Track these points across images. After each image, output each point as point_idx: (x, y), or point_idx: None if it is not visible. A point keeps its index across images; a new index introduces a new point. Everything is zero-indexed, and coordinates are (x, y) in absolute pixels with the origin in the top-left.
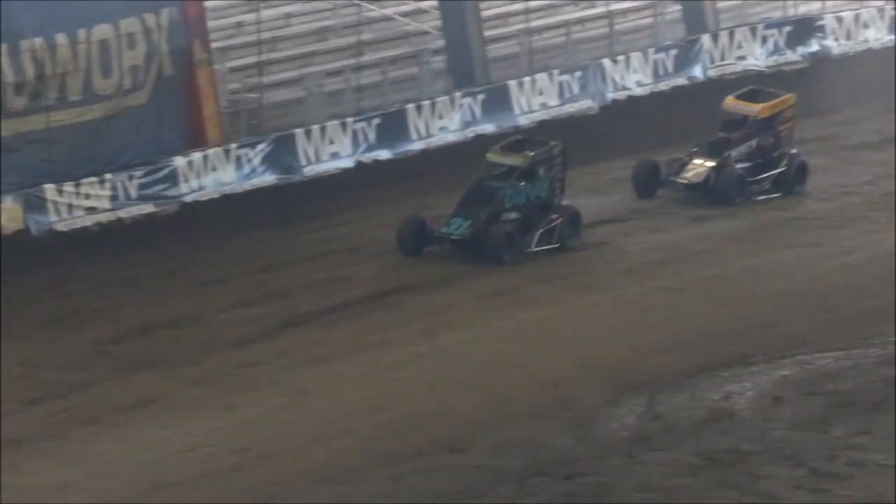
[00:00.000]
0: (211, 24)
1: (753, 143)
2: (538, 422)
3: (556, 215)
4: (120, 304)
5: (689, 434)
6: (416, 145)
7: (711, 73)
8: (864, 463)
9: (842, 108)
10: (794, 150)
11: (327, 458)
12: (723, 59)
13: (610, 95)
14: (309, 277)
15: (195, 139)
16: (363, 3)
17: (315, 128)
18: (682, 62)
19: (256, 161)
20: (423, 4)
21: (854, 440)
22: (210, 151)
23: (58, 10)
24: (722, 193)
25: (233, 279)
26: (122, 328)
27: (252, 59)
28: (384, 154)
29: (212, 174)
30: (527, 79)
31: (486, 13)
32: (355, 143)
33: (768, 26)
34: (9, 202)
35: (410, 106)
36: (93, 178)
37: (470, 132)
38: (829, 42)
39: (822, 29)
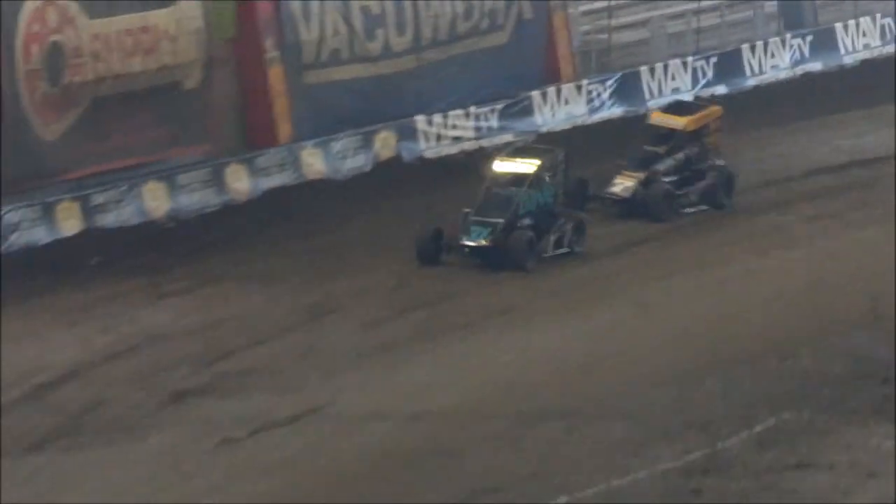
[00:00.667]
0: None
1: (681, 155)
2: (858, 333)
3: (563, 220)
4: None
5: None
6: (750, 82)
7: None
8: None
9: None
10: (721, 162)
11: (666, 364)
12: None
13: None
14: None
15: (550, 75)
16: None
17: (658, 65)
18: None
19: (605, 95)
20: None
21: None
22: (563, 86)
23: None
24: (650, 208)
25: None
26: None
27: (602, 4)
28: (721, 90)
29: (564, 107)
30: (851, 21)
31: None
32: (694, 80)
33: None
34: (384, 133)
35: (745, 46)
36: (459, 111)
37: (799, 70)
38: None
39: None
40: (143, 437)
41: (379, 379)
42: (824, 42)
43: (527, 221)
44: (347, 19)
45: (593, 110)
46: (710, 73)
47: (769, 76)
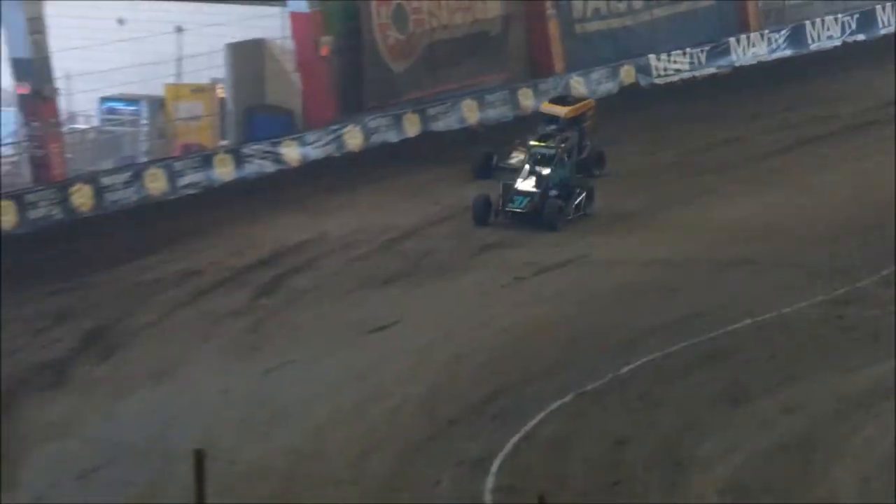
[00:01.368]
0: None
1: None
2: None
3: (579, 190)
4: (694, 130)
5: None
6: (882, 31)
7: None
8: None
9: None
10: (592, 142)
11: (822, 228)
12: None
13: None
14: None
15: (742, 27)
16: None
17: (817, 20)
18: None
19: (780, 41)
20: None
21: None
22: (751, 34)
23: None
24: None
25: None
26: (703, 143)
27: None
28: (860, 37)
29: (751, 49)
30: None
31: None
32: (843, 30)
33: None
34: (627, 66)
35: (878, 6)
36: (678, 51)
37: None
38: None
39: None
40: (460, 275)
41: (620, 239)
42: None
43: (554, 192)
44: None
45: (772, 51)
46: (854, 26)
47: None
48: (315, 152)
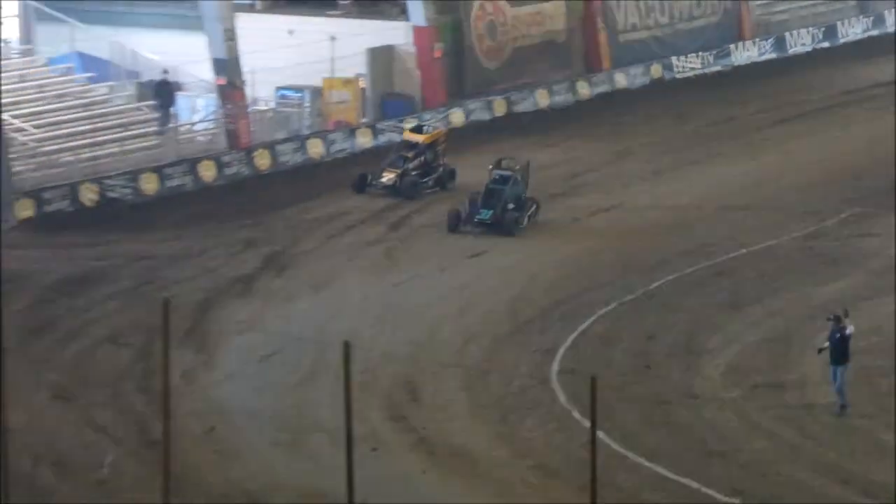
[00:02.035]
0: None
1: (422, 159)
2: None
3: (530, 203)
4: (704, 111)
5: None
6: None
7: None
8: None
9: None
10: (445, 161)
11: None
12: None
13: None
14: None
15: (740, 36)
16: None
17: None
18: None
19: (766, 47)
20: None
21: None
22: (746, 42)
23: None
24: (405, 192)
25: None
26: (710, 120)
27: None
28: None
29: (745, 53)
30: None
31: None
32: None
33: None
34: (656, 65)
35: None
36: (693, 54)
37: None
38: None
39: None
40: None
41: (651, 189)
42: None
43: (511, 206)
44: (639, 9)
45: (761, 54)
46: (820, 36)
47: None
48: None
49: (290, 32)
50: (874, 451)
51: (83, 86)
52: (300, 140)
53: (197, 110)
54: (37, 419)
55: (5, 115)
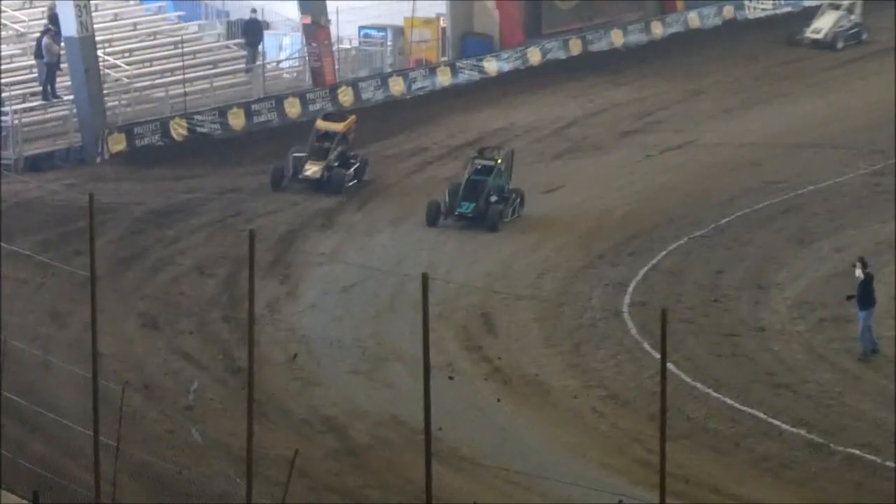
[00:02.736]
0: None
1: (341, 149)
2: None
3: (513, 195)
4: (774, 52)
5: None
6: None
7: None
8: None
9: None
10: (359, 153)
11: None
12: None
13: None
14: None
15: None
16: None
17: None
18: None
19: None
20: None
21: None
22: None
23: None
24: (333, 186)
25: None
26: (781, 61)
27: None
28: None
29: None
30: None
31: None
32: None
33: None
34: (728, 6)
35: None
36: None
37: None
38: None
39: None
40: (607, 153)
41: (722, 126)
42: None
43: (494, 198)
44: None
45: None
46: None
47: None
48: (507, 66)
49: None
50: None
51: (174, 24)
52: (382, 78)
53: (283, 48)
54: (126, 346)
55: (100, 52)
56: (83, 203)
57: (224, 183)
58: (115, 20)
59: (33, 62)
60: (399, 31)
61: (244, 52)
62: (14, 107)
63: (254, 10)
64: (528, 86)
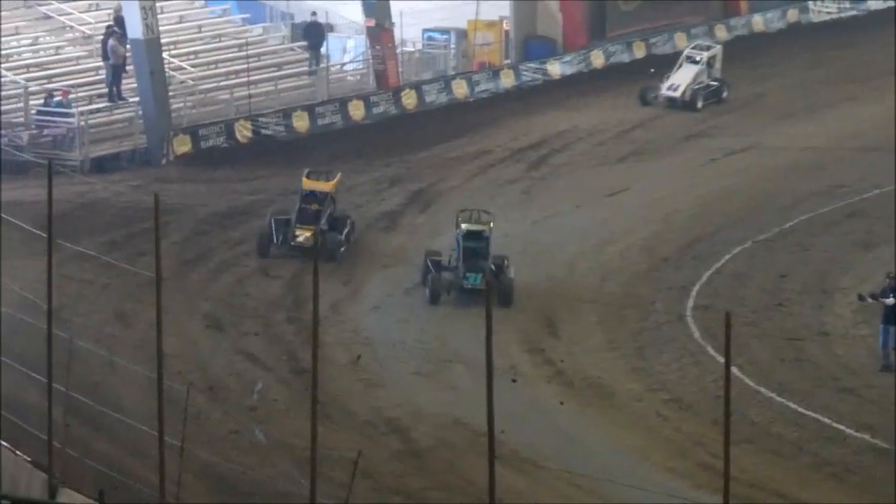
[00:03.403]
0: None
1: (330, 210)
2: None
3: (500, 260)
4: (839, 55)
5: None
6: None
7: None
8: None
9: None
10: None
11: None
12: None
13: None
14: None
15: None
16: None
17: None
18: None
19: None
20: None
21: None
22: None
23: None
24: (327, 253)
25: None
26: (846, 64)
27: None
28: None
29: None
30: None
31: None
32: None
33: None
34: (792, 10)
35: None
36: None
37: None
38: None
39: None
40: (671, 156)
41: (786, 130)
42: None
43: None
44: None
45: None
46: None
47: None
48: (570, 68)
49: None
50: None
51: (239, 27)
52: (445, 80)
53: (347, 51)
54: (191, 347)
55: (165, 54)
56: (148, 204)
57: (288, 185)
58: (181, 22)
59: (99, 64)
60: (462, 34)
61: (308, 55)
62: (80, 108)
63: (314, 13)
64: (591, 88)
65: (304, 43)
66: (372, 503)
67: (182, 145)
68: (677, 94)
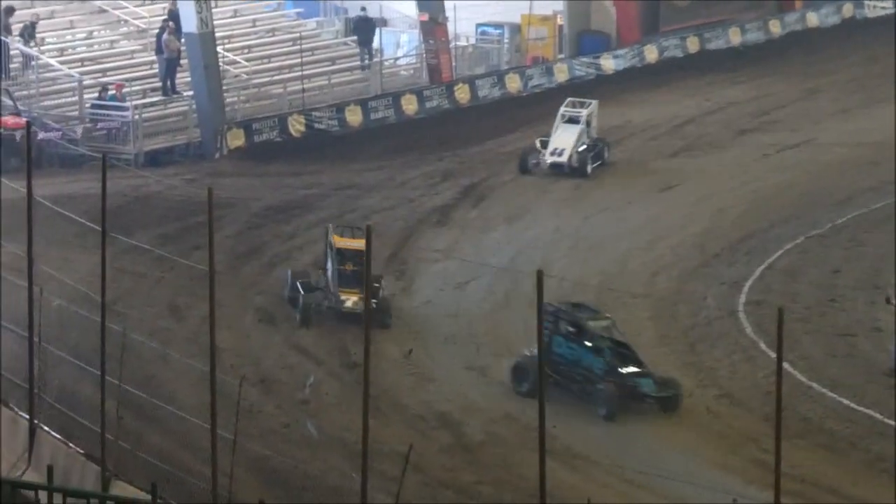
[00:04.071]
0: None
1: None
2: None
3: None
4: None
5: None
6: None
7: None
8: None
9: None
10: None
11: None
12: None
13: None
14: None
15: None
16: None
17: None
18: None
19: None
20: None
21: None
22: None
23: None
24: (382, 319)
25: None
26: None
27: None
28: None
29: None
30: None
31: None
32: None
33: None
34: (847, 4)
35: None
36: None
37: None
38: None
39: None
40: (725, 151)
41: (840, 126)
42: None
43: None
44: None
45: None
46: None
47: None
48: (624, 63)
49: None
50: None
51: (293, 21)
52: (499, 75)
53: (400, 45)
54: (243, 340)
55: (219, 49)
56: (202, 198)
57: (341, 179)
58: (235, 17)
59: (153, 58)
60: (516, 29)
61: (359, 50)
62: (134, 102)
63: (363, 9)
64: (644, 83)
65: (354, 38)
66: (423, 499)
67: (235, 139)
68: (563, 158)
